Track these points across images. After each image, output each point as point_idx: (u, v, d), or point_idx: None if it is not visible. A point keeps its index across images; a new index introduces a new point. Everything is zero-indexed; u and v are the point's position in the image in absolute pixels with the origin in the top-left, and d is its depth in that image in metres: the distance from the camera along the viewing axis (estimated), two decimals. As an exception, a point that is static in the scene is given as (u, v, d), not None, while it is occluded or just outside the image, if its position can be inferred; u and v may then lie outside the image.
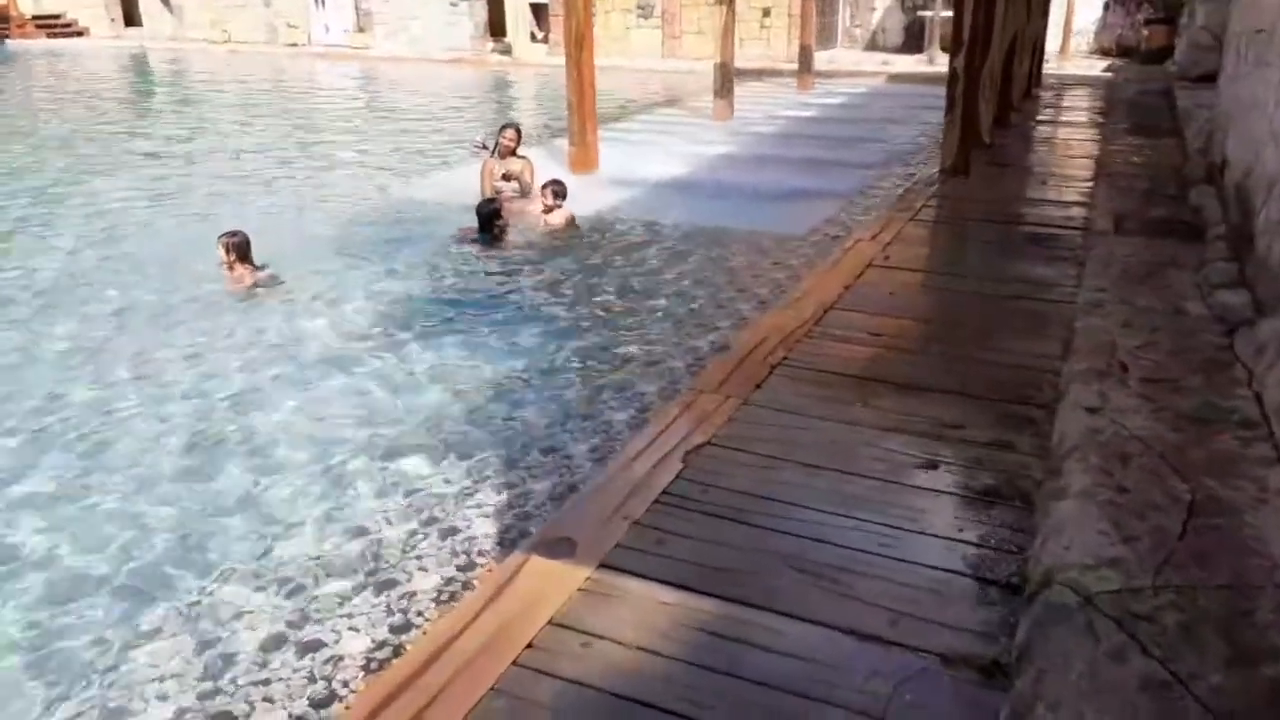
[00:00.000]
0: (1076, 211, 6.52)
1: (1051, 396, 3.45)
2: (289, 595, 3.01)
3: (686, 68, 18.67)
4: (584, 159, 8.82)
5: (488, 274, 6.26)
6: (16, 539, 3.33)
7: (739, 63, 13.60)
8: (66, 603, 2.99)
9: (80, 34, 26.11)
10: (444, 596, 2.97)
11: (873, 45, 20.93)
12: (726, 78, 12.50)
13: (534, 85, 17.88)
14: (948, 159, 7.82)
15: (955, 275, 5.33)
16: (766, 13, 19.88)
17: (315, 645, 2.77)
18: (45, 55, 23.11)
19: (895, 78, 17.06)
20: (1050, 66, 16.06)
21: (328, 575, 3.10)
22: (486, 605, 2.37)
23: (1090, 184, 7.31)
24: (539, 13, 21.57)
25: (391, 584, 3.05)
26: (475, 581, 3.01)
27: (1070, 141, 9.74)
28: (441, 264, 6.42)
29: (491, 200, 7.06)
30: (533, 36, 21.86)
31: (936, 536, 2.66)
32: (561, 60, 9.01)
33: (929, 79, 14.64)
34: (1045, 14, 14.35)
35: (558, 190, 7.06)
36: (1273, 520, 2.32)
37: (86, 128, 13.18)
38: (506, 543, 3.22)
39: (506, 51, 21.39)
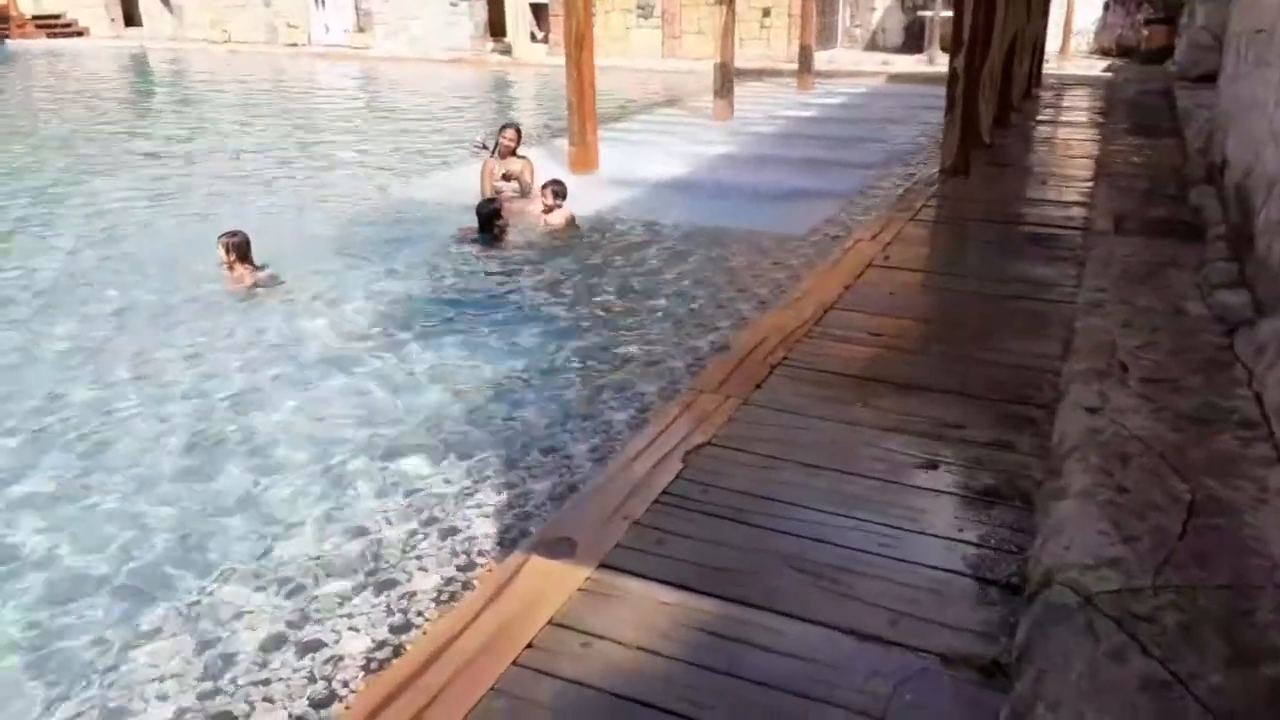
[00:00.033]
0: (1076, 211, 6.52)
1: (1051, 396, 3.45)
2: (289, 595, 3.01)
3: (686, 68, 18.67)
4: (584, 159, 8.82)
5: (488, 274, 6.26)
6: (16, 539, 3.33)
7: (739, 63, 13.60)
8: (66, 603, 2.99)
9: (80, 34, 26.12)
10: (444, 596, 2.97)
11: (873, 45, 20.93)
12: (726, 78, 12.50)
13: (534, 85, 17.88)
14: (948, 159, 7.82)
15: (955, 275, 5.33)
16: (766, 13, 19.88)
17: (315, 645, 2.78)
18: (45, 55, 23.11)
19: (895, 78, 17.06)
20: (1050, 66, 16.06)
21: (328, 575, 3.10)
22: (486, 605, 2.37)
23: (1090, 184, 7.31)
24: (539, 13, 21.57)
25: (391, 584, 3.05)
26: (475, 581, 3.01)
27: (1070, 141, 9.74)
28: (441, 264, 6.42)
29: (491, 200, 7.06)
30: (533, 36, 21.86)
31: (936, 536, 2.66)
32: (561, 60, 9.01)
33: (929, 79, 14.64)
34: (1045, 14, 14.35)
35: (558, 190, 7.06)
36: (1273, 520, 2.32)
37: (86, 128, 13.18)
38: (506, 543, 3.22)
39: (506, 51, 21.40)
